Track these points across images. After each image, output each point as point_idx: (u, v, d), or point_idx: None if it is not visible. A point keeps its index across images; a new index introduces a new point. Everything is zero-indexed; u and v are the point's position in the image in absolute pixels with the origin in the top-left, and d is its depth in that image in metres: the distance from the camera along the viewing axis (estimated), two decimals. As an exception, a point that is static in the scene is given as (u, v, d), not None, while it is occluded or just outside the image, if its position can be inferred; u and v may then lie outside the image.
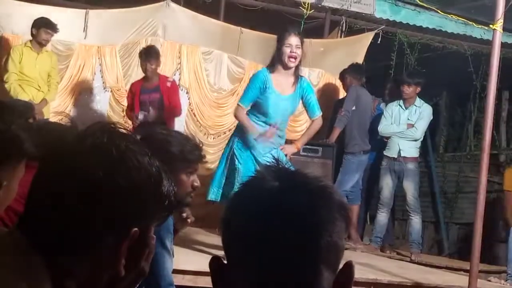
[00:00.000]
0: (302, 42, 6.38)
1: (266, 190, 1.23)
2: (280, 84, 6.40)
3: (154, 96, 8.44)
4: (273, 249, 1.20)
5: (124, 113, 8.82)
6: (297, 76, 6.44)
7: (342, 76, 9.60)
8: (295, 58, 6.32)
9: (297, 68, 6.41)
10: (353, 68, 9.46)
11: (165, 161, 2.77)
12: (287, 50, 6.31)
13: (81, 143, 1.40)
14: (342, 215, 1.25)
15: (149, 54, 8.41)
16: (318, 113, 6.62)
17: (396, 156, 8.79)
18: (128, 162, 1.38)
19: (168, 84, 8.57)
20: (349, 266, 1.25)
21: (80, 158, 1.37)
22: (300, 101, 6.63)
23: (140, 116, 8.24)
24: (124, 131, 1.46)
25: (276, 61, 6.42)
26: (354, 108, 9.00)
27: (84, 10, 9.28)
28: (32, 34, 8.37)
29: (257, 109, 6.45)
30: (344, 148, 9.00)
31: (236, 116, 6.59)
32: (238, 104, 6.55)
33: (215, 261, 1.28)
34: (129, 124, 8.45)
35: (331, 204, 1.24)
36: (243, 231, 1.24)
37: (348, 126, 9.02)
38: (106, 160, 1.37)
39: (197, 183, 3.25)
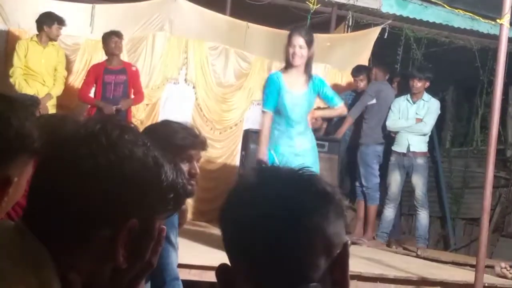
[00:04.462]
0: (308, 42, 6.44)
1: (245, 188, 1.28)
2: (292, 83, 6.49)
3: (120, 77, 8.50)
4: (258, 244, 1.22)
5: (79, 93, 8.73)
6: (309, 75, 6.53)
7: (359, 70, 9.62)
8: (299, 57, 6.41)
9: (307, 66, 6.49)
10: (380, 62, 9.56)
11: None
12: (291, 50, 6.44)
13: (75, 134, 1.40)
14: (327, 202, 1.26)
15: (116, 33, 8.47)
16: (339, 102, 6.81)
17: (405, 151, 8.79)
18: (119, 152, 1.36)
19: (133, 68, 8.67)
20: (344, 245, 1.26)
21: (72, 149, 1.37)
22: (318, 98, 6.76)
23: (114, 107, 8.32)
24: (121, 122, 1.45)
25: (286, 61, 6.56)
26: (374, 101, 9.05)
27: (90, 5, 9.28)
28: (41, 30, 8.38)
29: (276, 112, 6.52)
30: (359, 140, 9.08)
31: (262, 124, 6.57)
32: (263, 111, 6.57)
33: (221, 269, 1.29)
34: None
35: (308, 191, 1.25)
36: (229, 232, 1.28)
37: (366, 119, 9.10)
38: (96, 150, 1.35)
39: (194, 170, 3.25)
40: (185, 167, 3.19)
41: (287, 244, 1.21)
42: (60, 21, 8.36)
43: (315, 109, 7.13)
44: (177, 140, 3.20)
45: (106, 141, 1.36)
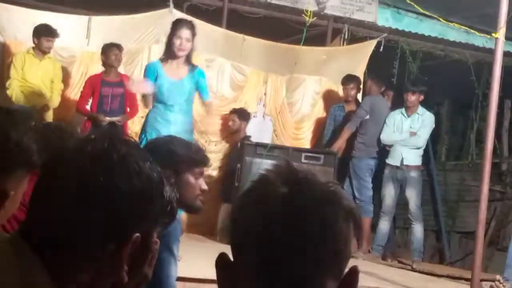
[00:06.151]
0: (193, 35, 6.68)
1: (274, 196, 1.22)
2: (172, 72, 6.71)
3: (117, 90, 8.48)
4: (278, 253, 1.19)
5: (77, 104, 8.73)
6: (189, 64, 6.76)
7: (349, 79, 9.63)
8: (184, 50, 6.64)
9: (188, 57, 6.72)
10: (375, 75, 9.56)
11: (172, 164, 2.79)
12: (177, 42, 6.62)
13: (82, 149, 1.40)
14: (349, 221, 1.24)
15: (117, 45, 8.49)
16: (207, 98, 7.00)
17: (399, 165, 8.80)
18: (128, 167, 1.38)
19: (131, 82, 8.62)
20: (353, 271, 1.24)
21: (81, 164, 1.37)
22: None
23: (115, 119, 8.35)
24: (125, 137, 1.46)
25: (167, 50, 6.74)
26: (368, 117, 9.06)
27: (87, 17, 9.29)
28: (34, 43, 8.39)
29: (156, 96, 6.74)
30: (352, 153, 9.08)
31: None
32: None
33: (221, 258, 1.28)
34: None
35: (338, 210, 1.23)
36: (251, 235, 1.23)
37: (360, 134, 9.11)
38: (106, 165, 1.37)
39: (204, 187, 3.28)
40: (196, 183, 3.25)
41: (307, 261, 1.19)
42: (48, 33, 8.33)
43: None
44: (192, 155, 3.26)
45: (117, 157, 1.37)
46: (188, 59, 6.69)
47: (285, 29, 10.38)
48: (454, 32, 10.69)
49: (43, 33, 8.32)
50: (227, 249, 1.29)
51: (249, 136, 9.48)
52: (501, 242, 11.08)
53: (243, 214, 1.26)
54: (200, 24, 9.65)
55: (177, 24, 6.75)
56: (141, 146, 3.16)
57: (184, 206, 3.20)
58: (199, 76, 6.78)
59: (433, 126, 9.11)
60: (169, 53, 6.68)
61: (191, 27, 6.70)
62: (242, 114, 9.50)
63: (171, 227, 3.01)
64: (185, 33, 6.61)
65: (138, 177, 1.38)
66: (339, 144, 9.14)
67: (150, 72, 6.74)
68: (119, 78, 8.56)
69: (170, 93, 6.65)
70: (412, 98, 8.87)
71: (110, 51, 8.41)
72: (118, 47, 8.47)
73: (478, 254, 6.23)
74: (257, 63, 10.02)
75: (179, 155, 3.17)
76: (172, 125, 6.59)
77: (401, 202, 9.22)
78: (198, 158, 3.29)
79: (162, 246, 3.07)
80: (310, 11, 9.94)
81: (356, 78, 9.75)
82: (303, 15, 9.96)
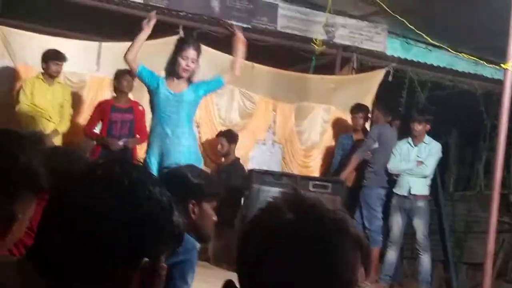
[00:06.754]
0: (199, 55, 6.57)
1: (281, 222, 1.22)
2: (172, 85, 6.56)
3: (127, 116, 8.50)
4: (285, 280, 1.19)
5: (84, 128, 8.73)
6: (190, 81, 6.59)
7: (359, 108, 9.64)
8: (188, 71, 6.50)
9: (189, 77, 6.57)
10: (383, 105, 9.57)
11: (195, 195, 2.82)
12: (182, 63, 6.48)
13: (92, 173, 1.40)
14: (356, 249, 1.23)
15: (130, 72, 8.48)
16: (221, 75, 6.88)
17: (406, 194, 8.77)
18: (139, 192, 1.38)
19: (140, 108, 8.63)
20: None
21: (91, 188, 1.37)
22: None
23: (120, 143, 8.33)
24: (135, 162, 1.46)
25: (170, 68, 6.58)
26: (377, 145, 9.05)
27: (97, 43, 9.34)
28: (42, 67, 8.44)
29: (153, 111, 6.63)
30: (362, 182, 9.05)
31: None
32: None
33: (228, 285, 1.27)
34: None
35: (345, 238, 1.22)
36: (258, 261, 1.23)
37: (370, 163, 9.10)
38: (117, 190, 1.36)
39: (215, 218, 3.33)
40: (212, 213, 3.32)
41: (317, 286, 1.18)
42: (56, 57, 8.38)
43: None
44: (214, 187, 3.37)
45: (128, 182, 1.37)
46: (189, 78, 6.56)
47: (294, 57, 10.41)
48: (463, 63, 10.71)
49: (51, 57, 8.37)
50: (221, 273, 1.28)
51: (239, 159, 9.44)
52: (509, 274, 11.00)
53: (250, 241, 1.26)
54: (208, 51, 9.73)
55: (184, 43, 6.63)
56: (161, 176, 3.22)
57: (200, 235, 3.28)
58: (200, 83, 6.63)
59: (440, 155, 9.10)
60: (172, 71, 6.54)
61: (198, 47, 6.60)
62: (230, 137, 9.39)
63: (188, 256, 3.03)
64: (192, 53, 6.49)
65: (148, 202, 1.38)
66: (347, 173, 9.13)
67: (153, 75, 6.67)
68: (129, 104, 8.59)
69: (167, 103, 6.49)
70: (419, 127, 8.87)
71: (123, 77, 8.44)
72: (131, 73, 8.50)
73: (486, 286, 6.19)
74: (266, 90, 10.05)
75: (203, 186, 3.25)
76: (168, 138, 6.47)
77: (409, 232, 9.17)
78: (215, 190, 3.38)
79: (177, 274, 3.08)
80: (319, 40, 9.99)
81: (365, 107, 9.76)
82: (312, 43, 10.01)
